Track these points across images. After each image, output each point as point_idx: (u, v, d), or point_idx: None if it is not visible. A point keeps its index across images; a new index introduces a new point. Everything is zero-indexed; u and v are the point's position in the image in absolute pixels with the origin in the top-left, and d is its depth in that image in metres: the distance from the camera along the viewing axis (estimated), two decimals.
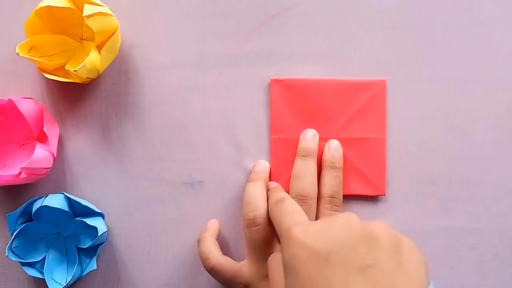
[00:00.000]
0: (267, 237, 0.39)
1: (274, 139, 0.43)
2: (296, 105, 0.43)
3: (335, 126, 0.43)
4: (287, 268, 0.30)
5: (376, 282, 0.27)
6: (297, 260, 0.29)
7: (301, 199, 0.39)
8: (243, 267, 0.40)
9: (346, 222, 0.30)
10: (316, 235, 0.29)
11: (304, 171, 0.41)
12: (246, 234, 0.40)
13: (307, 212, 0.39)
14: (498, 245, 0.43)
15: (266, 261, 0.38)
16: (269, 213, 0.38)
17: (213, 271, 0.40)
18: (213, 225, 0.42)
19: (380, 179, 0.42)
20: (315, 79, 0.43)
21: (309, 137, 0.42)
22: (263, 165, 0.42)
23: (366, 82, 0.43)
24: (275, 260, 0.36)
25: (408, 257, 0.29)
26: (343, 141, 0.42)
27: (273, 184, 0.42)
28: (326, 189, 0.41)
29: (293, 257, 0.29)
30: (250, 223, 0.39)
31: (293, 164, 0.42)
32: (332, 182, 0.41)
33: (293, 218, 0.34)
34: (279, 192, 0.40)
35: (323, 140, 0.42)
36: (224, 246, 0.43)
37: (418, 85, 0.43)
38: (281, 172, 0.43)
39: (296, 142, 0.43)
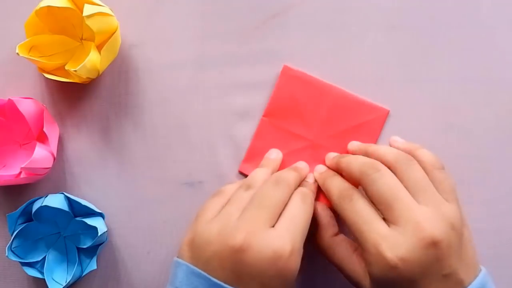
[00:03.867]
0: None
1: (263, 121, 0.43)
2: (297, 98, 0.43)
3: (325, 134, 0.42)
4: (377, 283, 0.34)
5: (454, 282, 0.33)
6: (387, 279, 0.34)
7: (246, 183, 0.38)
8: None
9: (426, 246, 0.33)
10: (407, 262, 0.33)
11: (254, 174, 0.40)
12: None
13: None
14: (498, 245, 0.43)
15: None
16: (335, 207, 0.37)
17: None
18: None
19: None
20: (324, 82, 0.42)
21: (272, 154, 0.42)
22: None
23: (370, 105, 0.42)
24: (342, 245, 0.38)
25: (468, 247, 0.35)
26: (330, 147, 0.42)
27: (321, 168, 0.41)
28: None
29: (385, 277, 0.33)
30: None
31: (270, 149, 0.42)
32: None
33: (372, 225, 0.35)
34: (340, 182, 0.38)
35: (309, 142, 0.42)
36: None
37: (418, 85, 0.43)
38: (257, 154, 0.42)
39: (283, 131, 0.42)
